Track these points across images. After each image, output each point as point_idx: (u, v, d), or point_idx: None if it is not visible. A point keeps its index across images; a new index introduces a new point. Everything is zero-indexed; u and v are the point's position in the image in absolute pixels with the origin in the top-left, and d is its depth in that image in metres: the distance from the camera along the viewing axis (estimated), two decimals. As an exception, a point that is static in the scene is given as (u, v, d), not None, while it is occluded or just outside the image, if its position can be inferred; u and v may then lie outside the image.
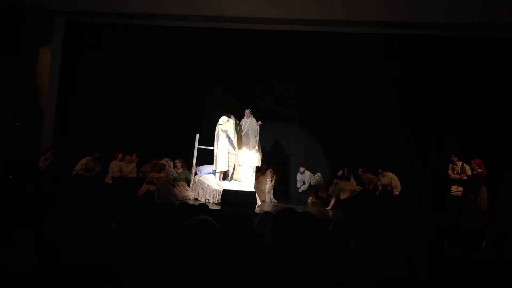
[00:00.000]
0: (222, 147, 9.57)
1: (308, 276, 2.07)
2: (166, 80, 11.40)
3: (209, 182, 9.52)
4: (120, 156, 9.95)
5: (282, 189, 10.97)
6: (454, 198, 8.53)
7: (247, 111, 9.89)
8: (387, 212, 8.85)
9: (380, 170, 9.14)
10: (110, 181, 9.29)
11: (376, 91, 10.70)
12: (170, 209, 4.12)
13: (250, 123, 9.81)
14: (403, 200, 9.08)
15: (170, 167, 9.50)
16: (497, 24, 9.00)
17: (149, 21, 10.54)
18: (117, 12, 9.99)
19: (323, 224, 4.32)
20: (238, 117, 9.95)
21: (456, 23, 9.14)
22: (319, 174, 10.57)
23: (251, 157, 9.76)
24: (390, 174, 9.03)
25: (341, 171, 10.24)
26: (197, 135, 10.02)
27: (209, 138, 9.94)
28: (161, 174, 9.21)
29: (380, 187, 9.11)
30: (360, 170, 9.54)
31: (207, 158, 9.98)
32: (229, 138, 9.56)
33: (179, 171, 9.65)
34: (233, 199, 8.26)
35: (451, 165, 8.65)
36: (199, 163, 10.00)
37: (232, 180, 9.79)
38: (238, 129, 9.83)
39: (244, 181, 9.69)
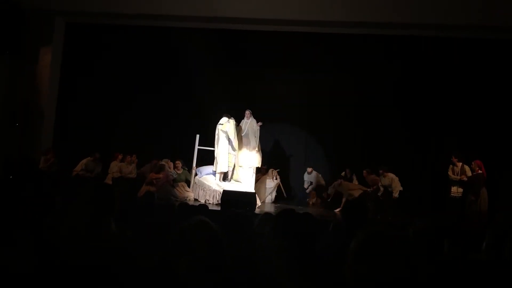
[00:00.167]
0: (222, 148, 9.57)
1: (308, 277, 2.07)
2: (166, 80, 11.40)
3: (209, 183, 9.52)
4: (120, 156, 9.95)
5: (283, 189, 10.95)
6: (454, 199, 8.53)
7: (247, 112, 9.89)
8: (387, 213, 8.86)
9: (381, 171, 9.14)
10: (110, 182, 9.29)
11: (376, 92, 10.69)
12: (170, 210, 4.12)
13: (250, 124, 9.81)
14: (403, 201, 9.08)
15: (170, 168, 9.50)
16: (497, 25, 9.01)
17: (150, 21, 10.55)
18: (117, 12, 10.00)
19: (323, 225, 4.32)
20: (238, 118, 9.95)
21: (456, 24, 9.16)
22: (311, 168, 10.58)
23: (251, 158, 9.76)
24: (391, 175, 9.02)
25: (343, 172, 10.22)
26: (197, 135, 10.02)
27: (209, 138, 9.94)
28: (161, 175, 9.21)
29: (381, 188, 9.09)
30: (364, 171, 9.54)
31: (207, 159, 9.98)
32: (229, 138, 9.56)
33: (179, 172, 9.65)
34: (233, 200, 8.26)
35: (451, 166, 8.65)
36: (199, 164, 10.00)
37: (232, 181, 9.79)
38: (238, 130, 9.83)
39: (244, 181, 9.69)
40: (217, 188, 9.32)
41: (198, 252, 1.59)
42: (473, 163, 8.38)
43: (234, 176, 9.86)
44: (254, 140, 9.78)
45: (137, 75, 11.27)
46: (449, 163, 8.72)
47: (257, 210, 8.49)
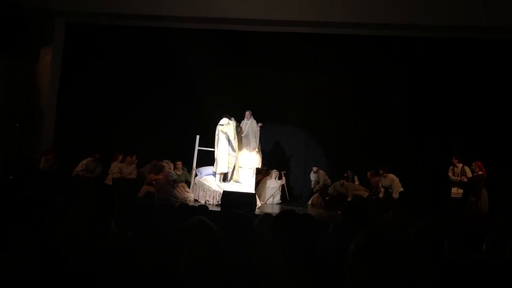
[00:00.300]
0: (222, 149, 9.57)
1: (308, 277, 2.07)
2: (166, 81, 11.40)
3: (209, 184, 9.52)
4: (120, 157, 9.95)
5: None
6: (454, 200, 8.52)
7: (248, 113, 9.89)
8: (387, 214, 8.86)
9: (381, 171, 9.13)
10: (110, 182, 9.29)
11: (376, 92, 10.69)
12: (170, 211, 4.12)
13: (250, 125, 9.81)
14: (404, 202, 9.07)
15: (170, 169, 9.50)
16: (497, 26, 9.02)
17: (150, 22, 10.55)
18: (118, 13, 10.01)
19: (323, 226, 4.31)
20: (239, 118, 9.94)
21: (456, 25, 9.17)
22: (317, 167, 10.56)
23: (251, 159, 9.75)
24: (391, 176, 9.02)
25: (346, 173, 10.20)
26: (197, 136, 10.01)
27: (209, 139, 9.94)
28: (160, 176, 9.21)
29: (381, 188, 9.09)
30: (368, 173, 9.53)
31: (208, 159, 9.98)
32: (229, 139, 9.56)
33: (179, 172, 9.64)
34: (233, 201, 8.26)
35: (451, 167, 8.64)
36: (199, 165, 9.99)
37: (232, 182, 9.78)
38: (238, 130, 9.83)
39: (244, 182, 9.68)
40: (217, 188, 9.32)
41: (198, 253, 1.59)
42: (473, 164, 8.37)
43: (234, 177, 9.86)
44: (254, 141, 9.78)
45: (137, 76, 11.27)
46: (449, 164, 8.71)
47: (257, 211, 8.48)
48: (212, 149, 9.74)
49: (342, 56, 10.79)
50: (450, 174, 8.62)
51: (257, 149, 9.85)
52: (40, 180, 8.77)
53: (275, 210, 9.10)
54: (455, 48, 10.21)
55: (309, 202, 10.57)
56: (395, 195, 8.90)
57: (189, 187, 9.69)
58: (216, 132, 9.65)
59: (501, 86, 9.87)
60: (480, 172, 8.26)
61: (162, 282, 1.64)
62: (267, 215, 3.15)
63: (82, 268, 1.88)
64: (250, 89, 11.28)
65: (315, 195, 10.53)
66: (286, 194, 10.38)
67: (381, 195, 9.09)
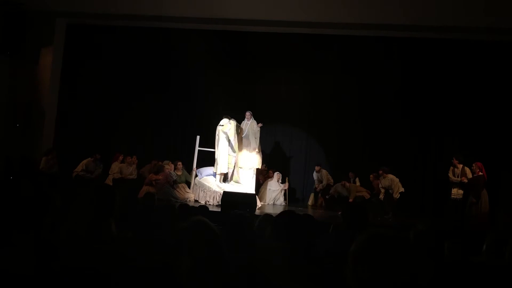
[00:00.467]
0: (223, 149, 9.57)
1: (308, 278, 2.06)
2: (167, 81, 11.41)
3: (209, 184, 9.51)
4: (121, 157, 9.96)
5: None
6: (455, 201, 8.52)
7: (248, 113, 9.89)
8: (387, 215, 8.85)
9: (380, 171, 9.12)
10: (110, 183, 9.29)
11: (377, 93, 10.69)
12: (170, 211, 4.12)
13: (250, 125, 9.81)
14: (404, 203, 9.07)
15: (171, 170, 9.49)
16: (498, 27, 9.02)
17: (150, 23, 10.57)
18: (118, 13, 10.03)
19: (324, 227, 4.31)
20: (239, 119, 9.95)
21: (458, 26, 9.18)
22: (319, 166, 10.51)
23: (251, 159, 9.74)
24: (390, 176, 8.99)
25: (349, 174, 10.18)
26: (198, 137, 10.01)
27: (209, 140, 9.94)
28: (160, 176, 9.21)
29: (381, 189, 9.07)
30: (371, 176, 9.51)
31: (208, 160, 9.98)
32: (229, 140, 9.56)
33: (179, 173, 9.64)
34: (233, 201, 8.25)
35: (451, 167, 8.64)
36: (200, 165, 9.99)
37: (232, 182, 9.77)
38: (238, 131, 9.83)
39: (245, 183, 9.68)
40: (217, 189, 9.32)
41: (198, 253, 1.59)
42: (473, 165, 8.36)
43: (234, 178, 9.85)
44: (255, 141, 9.77)
45: (137, 76, 11.29)
46: (449, 165, 8.71)
47: (257, 212, 8.48)
48: (212, 150, 9.74)
49: (343, 56, 10.80)
50: (450, 175, 8.62)
51: (257, 150, 9.84)
52: (40, 180, 8.77)
53: (276, 210, 9.09)
54: (457, 49, 10.21)
55: (309, 203, 10.56)
56: (396, 195, 8.88)
57: (189, 187, 9.69)
58: (217, 133, 9.65)
59: (502, 87, 9.87)
60: (480, 173, 8.25)
61: (162, 283, 1.63)
62: (267, 216, 3.15)
63: (82, 269, 1.88)
64: (251, 89, 11.29)
65: (315, 195, 10.50)
66: (287, 199, 10.35)
67: (381, 196, 9.07)
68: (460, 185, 8.44)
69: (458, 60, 10.23)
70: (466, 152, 8.97)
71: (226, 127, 9.55)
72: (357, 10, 9.27)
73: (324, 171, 10.42)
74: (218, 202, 9.04)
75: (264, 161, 10.43)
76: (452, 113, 10.27)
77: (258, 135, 9.85)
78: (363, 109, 10.82)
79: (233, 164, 9.73)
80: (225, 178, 9.86)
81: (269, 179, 10.35)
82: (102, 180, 9.37)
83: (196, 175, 9.80)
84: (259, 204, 9.20)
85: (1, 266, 1.83)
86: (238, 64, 11.27)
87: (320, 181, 10.35)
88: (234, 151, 9.63)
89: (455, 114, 10.24)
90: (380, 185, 9.12)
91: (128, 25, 10.84)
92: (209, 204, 8.94)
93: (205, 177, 9.76)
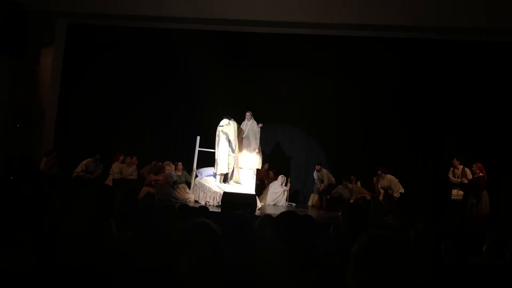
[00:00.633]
0: (223, 150, 9.57)
1: (309, 279, 2.06)
2: (167, 82, 11.42)
3: (209, 185, 9.51)
4: (121, 157, 9.96)
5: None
6: (455, 201, 8.51)
7: (248, 114, 9.89)
8: (387, 216, 8.84)
9: (379, 172, 9.10)
10: (110, 183, 9.30)
11: (377, 94, 10.70)
12: (170, 212, 4.12)
13: (251, 126, 9.81)
14: (404, 203, 9.06)
15: (171, 171, 9.49)
16: (498, 28, 9.02)
17: (150, 23, 10.57)
18: (119, 14, 10.03)
19: (324, 227, 4.32)
20: (239, 119, 9.95)
21: (457, 27, 9.17)
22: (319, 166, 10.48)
23: (251, 160, 9.74)
24: (389, 176, 8.97)
25: (351, 176, 10.16)
26: (198, 137, 10.01)
27: (210, 140, 9.94)
28: (160, 177, 9.20)
29: (381, 190, 9.06)
30: (374, 179, 9.46)
31: (208, 160, 9.98)
32: (229, 140, 9.56)
33: (179, 173, 9.64)
34: (233, 202, 8.25)
35: (452, 168, 8.63)
36: (200, 166, 9.99)
37: (232, 182, 9.77)
38: (239, 131, 9.83)
39: (245, 183, 9.68)
40: (217, 189, 9.31)
41: (198, 254, 1.59)
42: (474, 165, 8.36)
43: (234, 178, 9.85)
44: (255, 142, 9.77)
45: (138, 77, 11.30)
46: (449, 165, 8.71)
47: (257, 212, 8.48)
48: (213, 150, 9.74)
49: (343, 57, 10.80)
50: (450, 175, 8.61)
51: (257, 150, 9.84)
52: (41, 180, 8.78)
53: (276, 211, 9.08)
54: (457, 50, 10.21)
55: (309, 203, 10.55)
56: (396, 195, 8.87)
57: (189, 188, 9.69)
58: (217, 133, 9.65)
59: (502, 88, 9.88)
60: (480, 174, 8.25)
61: (162, 283, 1.63)
62: (268, 216, 3.15)
63: (82, 268, 1.88)
64: (251, 89, 11.30)
65: (315, 195, 10.48)
66: (288, 200, 10.34)
67: (381, 197, 9.06)
68: (460, 186, 8.44)
69: (458, 61, 10.23)
70: (466, 153, 8.96)
71: (226, 128, 9.55)
72: (357, 10, 9.27)
73: (324, 170, 10.38)
74: (218, 202, 9.04)
75: (265, 161, 10.42)
76: (452, 114, 10.27)
77: (258, 135, 9.85)
78: (363, 109, 10.82)
79: (233, 164, 9.74)
80: (225, 178, 9.86)
81: (274, 181, 10.34)
82: (102, 181, 9.38)
83: (196, 176, 9.80)
84: (259, 204, 9.20)
85: (1, 266, 1.83)
86: (238, 64, 11.27)
87: (321, 181, 10.27)
88: (234, 152, 9.63)
89: (455, 115, 10.24)
90: (379, 186, 9.11)
91: (128, 25, 10.84)
92: (209, 205, 8.93)
93: (205, 177, 9.76)
